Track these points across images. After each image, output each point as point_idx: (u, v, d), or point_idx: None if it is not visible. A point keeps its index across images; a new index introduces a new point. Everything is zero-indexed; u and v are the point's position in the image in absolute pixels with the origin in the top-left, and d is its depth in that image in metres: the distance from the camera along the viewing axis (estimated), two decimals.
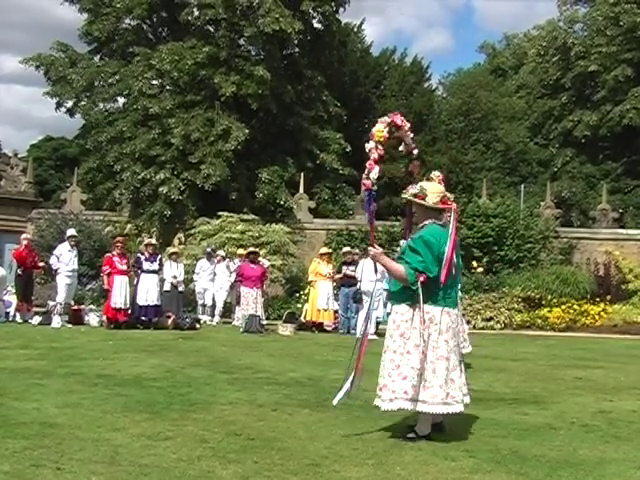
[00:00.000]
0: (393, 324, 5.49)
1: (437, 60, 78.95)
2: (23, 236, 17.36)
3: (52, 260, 15.56)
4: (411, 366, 5.30)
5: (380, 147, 5.63)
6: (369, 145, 5.66)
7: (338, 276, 16.70)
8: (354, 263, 16.44)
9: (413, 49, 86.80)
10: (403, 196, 5.68)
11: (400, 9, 79.84)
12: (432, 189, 5.61)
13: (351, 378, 5.75)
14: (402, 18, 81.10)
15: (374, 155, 5.61)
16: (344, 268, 16.63)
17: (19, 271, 16.27)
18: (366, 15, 68.85)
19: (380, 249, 5.68)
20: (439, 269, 5.37)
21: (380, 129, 5.64)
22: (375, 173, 5.58)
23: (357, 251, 17.45)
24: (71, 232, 16.16)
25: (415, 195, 5.54)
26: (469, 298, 18.97)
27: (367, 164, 5.63)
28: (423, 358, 5.30)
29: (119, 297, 15.15)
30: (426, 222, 5.57)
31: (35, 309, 16.45)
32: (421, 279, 5.31)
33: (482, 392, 7.34)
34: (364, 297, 15.07)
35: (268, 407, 6.44)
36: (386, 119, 5.75)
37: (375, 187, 5.64)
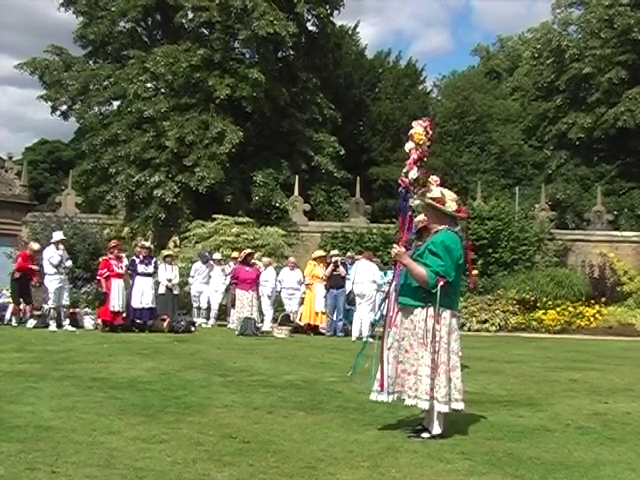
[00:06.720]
0: (411, 324, 5.55)
1: (436, 60, 78.77)
2: (30, 245, 17.13)
3: (46, 266, 15.32)
4: (427, 365, 5.43)
5: (420, 149, 5.69)
6: (409, 145, 5.73)
7: (328, 270, 16.51)
8: (342, 264, 16.55)
9: (412, 49, 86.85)
10: (421, 198, 5.68)
11: (399, 9, 79.98)
12: (450, 196, 5.71)
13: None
14: (401, 18, 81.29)
15: (413, 156, 5.69)
16: (332, 267, 16.50)
17: (16, 274, 16.15)
18: (365, 15, 68.76)
19: (403, 249, 5.69)
20: (456, 274, 5.54)
21: (420, 132, 5.69)
22: (414, 173, 5.66)
23: (336, 252, 17.44)
24: (58, 236, 15.61)
25: (435, 199, 5.61)
26: (464, 300, 18.98)
27: (407, 163, 5.72)
28: (438, 358, 5.44)
29: (117, 300, 15.10)
30: (440, 228, 5.65)
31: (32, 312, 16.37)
32: (441, 283, 5.44)
33: (477, 394, 7.34)
34: (357, 299, 15.11)
35: (263, 410, 6.43)
36: (421, 122, 5.78)
37: (412, 187, 5.71)
